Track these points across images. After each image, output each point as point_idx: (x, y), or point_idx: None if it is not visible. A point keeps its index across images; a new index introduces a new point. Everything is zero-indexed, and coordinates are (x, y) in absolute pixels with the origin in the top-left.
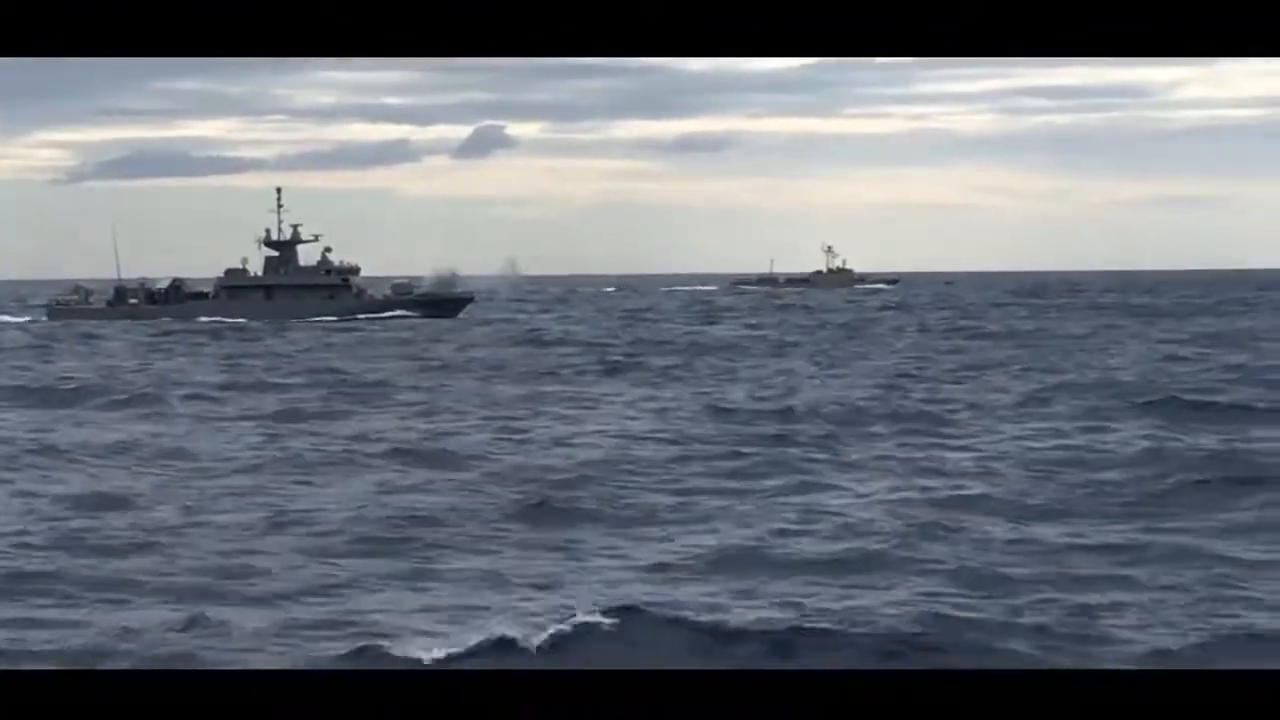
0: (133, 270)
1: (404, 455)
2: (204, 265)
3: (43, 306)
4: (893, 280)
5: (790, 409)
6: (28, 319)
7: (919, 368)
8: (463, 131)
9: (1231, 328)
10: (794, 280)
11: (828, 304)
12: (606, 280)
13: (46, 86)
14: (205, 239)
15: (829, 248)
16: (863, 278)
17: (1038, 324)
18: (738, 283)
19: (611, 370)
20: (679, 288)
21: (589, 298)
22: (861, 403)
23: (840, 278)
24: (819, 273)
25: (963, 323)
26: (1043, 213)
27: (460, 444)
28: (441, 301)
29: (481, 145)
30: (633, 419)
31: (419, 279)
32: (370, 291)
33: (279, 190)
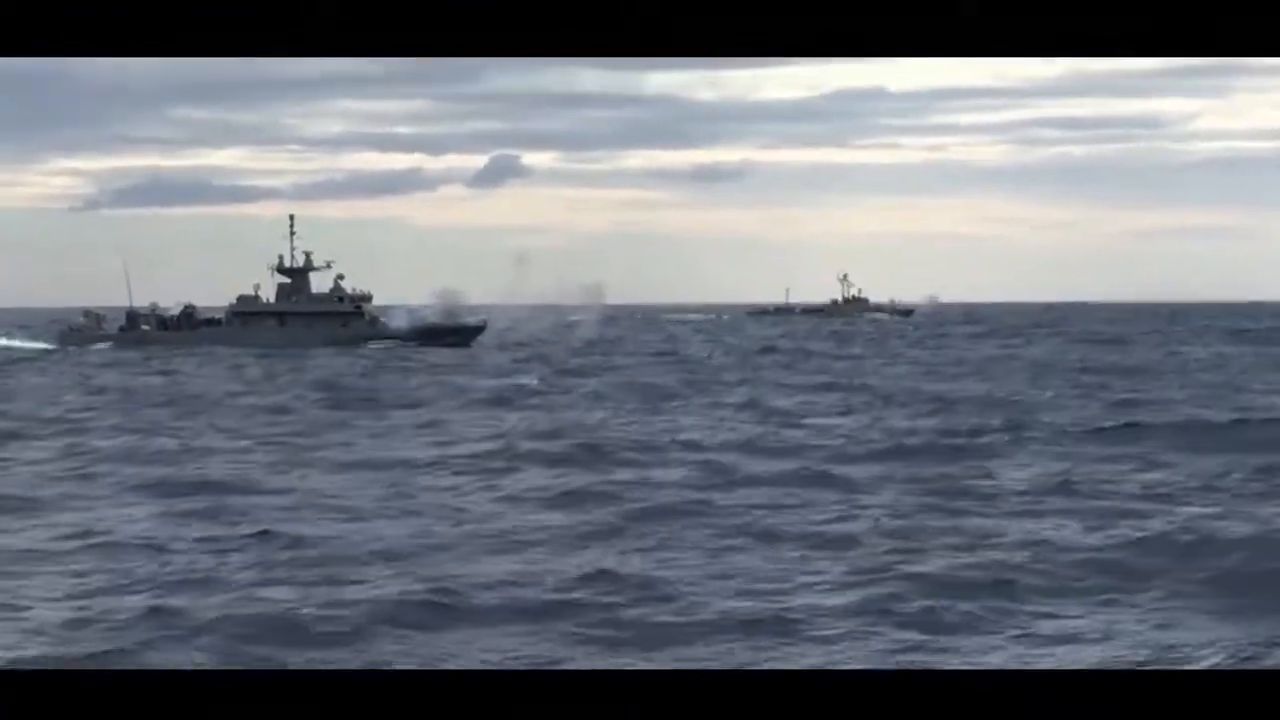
0: (147, 297)
1: None
2: (217, 293)
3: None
4: (907, 311)
5: None
6: (38, 345)
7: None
8: (475, 161)
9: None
10: (809, 310)
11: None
12: (620, 310)
13: (62, 113)
14: (219, 266)
15: (844, 277)
16: (878, 307)
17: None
18: (753, 312)
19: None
20: (690, 316)
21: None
22: None
23: (855, 307)
24: (834, 302)
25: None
26: (1059, 242)
27: None
28: (455, 330)
29: (496, 174)
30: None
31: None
32: (383, 319)
33: (292, 217)
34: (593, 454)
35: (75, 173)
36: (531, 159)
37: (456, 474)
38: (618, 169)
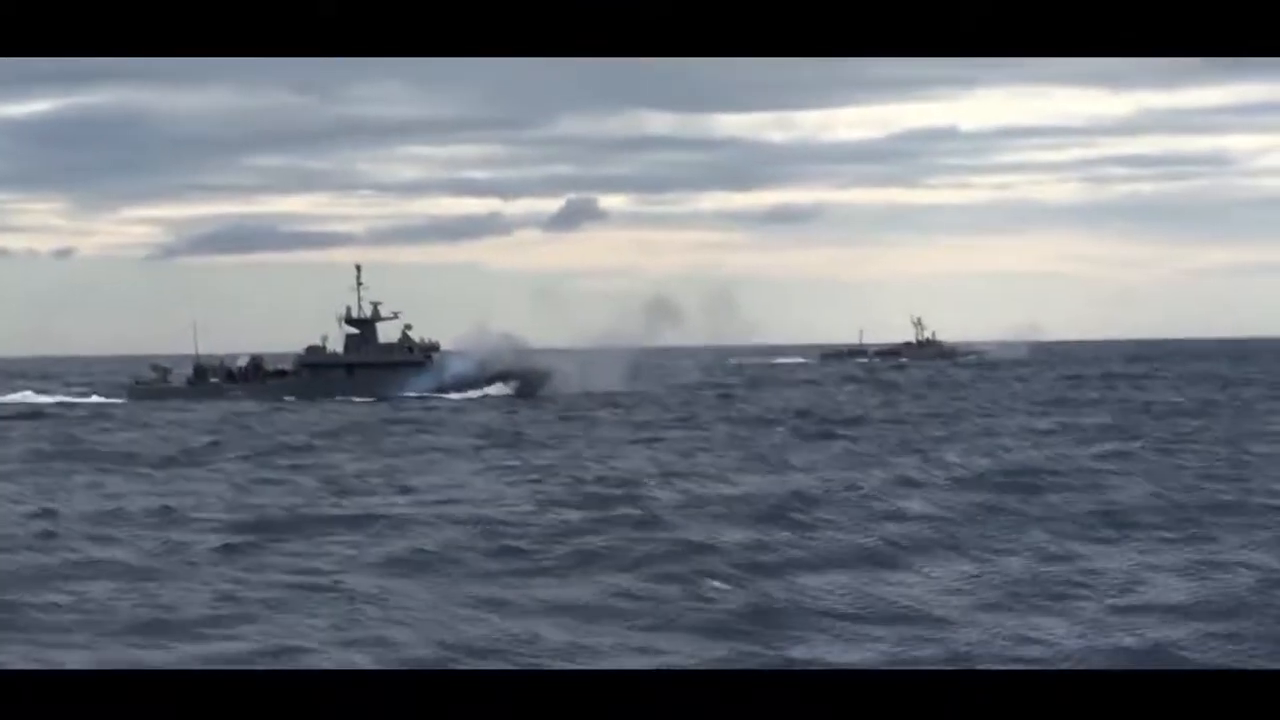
0: (220, 347)
1: None
2: (290, 341)
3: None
4: (982, 353)
5: None
6: (113, 400)
7: None
8: (549, 204)
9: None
10: (884, 352)
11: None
12: (692, 352)
13: (134, 162)
14: (292, 314)
15: (918, 320)
16: (953, 349)
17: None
18: (827, 354)
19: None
20: (751, 360)
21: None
22: None
23: (929, 350)
24: (908, 344)
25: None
26: (1131, 280)
27: None
28: (524, 376)
29: (572, 217)
30: None
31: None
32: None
33: (358, 267)
34: None
35: (149, 221)
36: (607, 202)
37: None
38: (692, 211)
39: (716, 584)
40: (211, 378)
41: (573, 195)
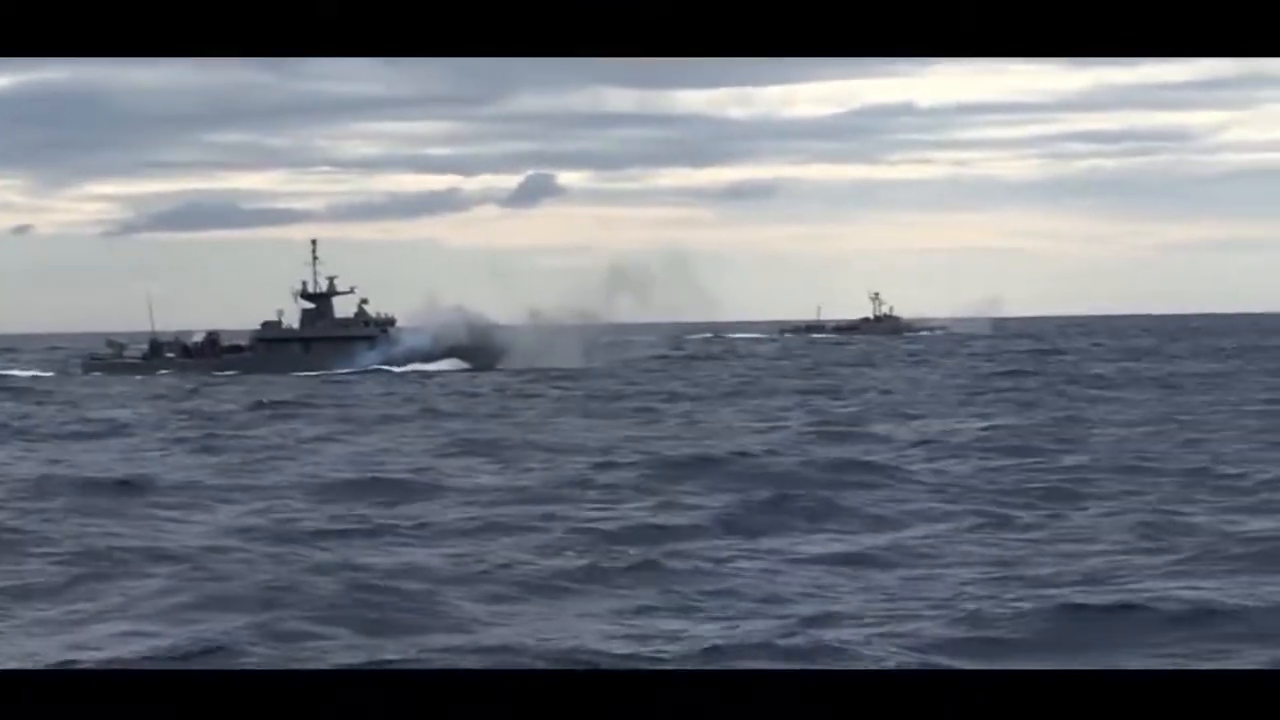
0: (179, 323)
1: None
2: (247, 317)
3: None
4: (939, 328)
5: None
6: (45, 374)
7: None
8: (508, 181)
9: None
10: (841, 328)
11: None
12: (653, 328)
13: (91, 139)
14: (250, 291)
15: (876, 295)
16: (910, 325)
17: None
18: (784, 330)
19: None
20: (694, 336)
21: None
22: None
23: (886, 325)
24: (866, 320)
25: None
26: (1093, 255)
27: None
28: (478, 351)
29: (531, 194)
30: None
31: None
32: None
33: (314, 243)
34: None
35: (108, 197)
36: (566, 178)
37: None
38: (651, 188)
39: (569, 553)
40: (167, 353)
41: (532, 171)
